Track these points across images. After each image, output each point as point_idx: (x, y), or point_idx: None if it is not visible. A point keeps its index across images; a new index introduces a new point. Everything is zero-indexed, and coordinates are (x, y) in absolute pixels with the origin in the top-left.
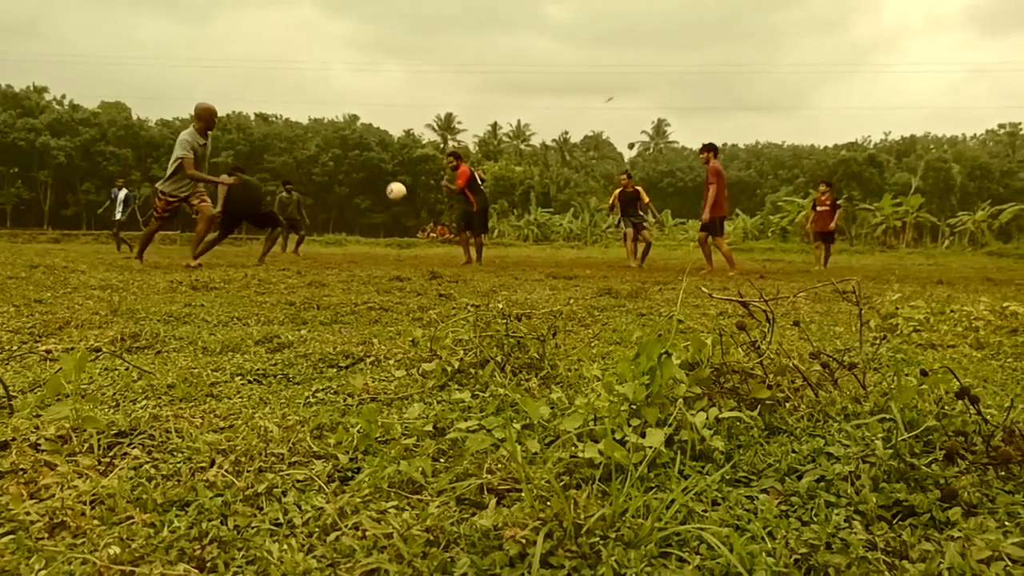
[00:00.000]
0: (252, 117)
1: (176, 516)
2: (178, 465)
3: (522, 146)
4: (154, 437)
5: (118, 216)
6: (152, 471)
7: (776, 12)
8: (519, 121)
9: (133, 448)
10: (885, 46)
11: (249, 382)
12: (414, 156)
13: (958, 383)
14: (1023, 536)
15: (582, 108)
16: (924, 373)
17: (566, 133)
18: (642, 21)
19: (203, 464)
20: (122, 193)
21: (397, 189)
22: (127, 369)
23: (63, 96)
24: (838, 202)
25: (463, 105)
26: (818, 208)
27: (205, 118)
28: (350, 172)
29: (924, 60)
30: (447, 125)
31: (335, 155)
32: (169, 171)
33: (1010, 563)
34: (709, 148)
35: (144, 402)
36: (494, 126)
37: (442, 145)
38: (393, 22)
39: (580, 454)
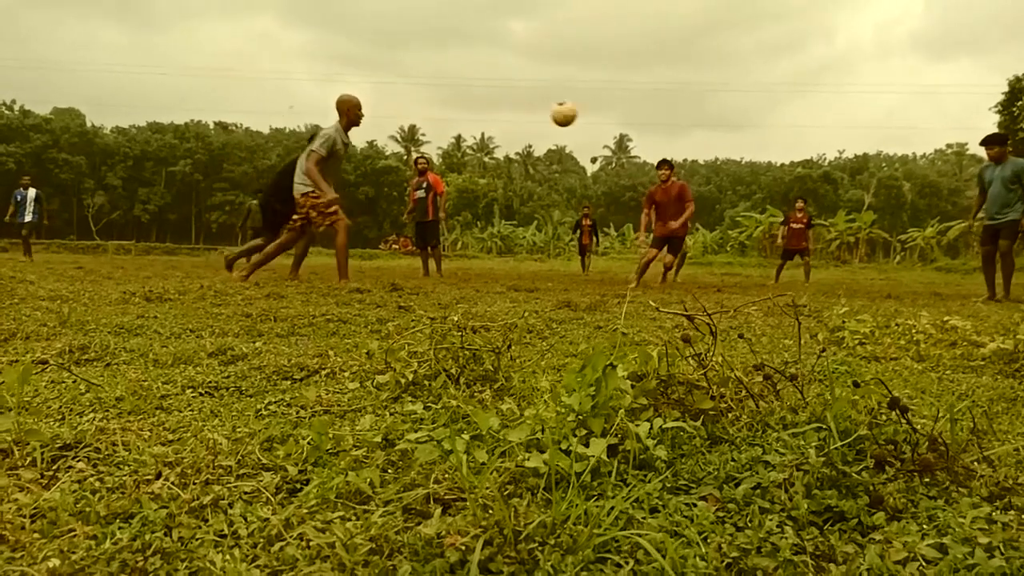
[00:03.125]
0: (211, 126)
1: (119, 528)
2: (123, 478)
3: (486, 159)
4: (100, 450)
5: (28, 218)
6: (97, 484)
7: (735, 34)
8: (483, 134)
9: (78, 461)
10: (838, 68)
11: (200, 395)
12: (377, 167)
13: (889, 394)
14: (939, 538)
15: (545, 122)
16: (856, 384)
17: (530, 147)
18: (604, 38)
19: (149, 476)
20: (31, 192)
21: (559, 113)
22: (74, 382)
23: (13, 101)
24: (813, 221)
25: (427, 118)
26: (792, 225)
27: (347, 113)
28: None
29: (875, 82)
30: (411, 137)
31: None
32: (301, 167)
33: (924, 563)
34: (671, 165)
35: (91, 415)
36: (458, 139)
37: (405, 157)
38: (355, 34)
39: (525, 464)
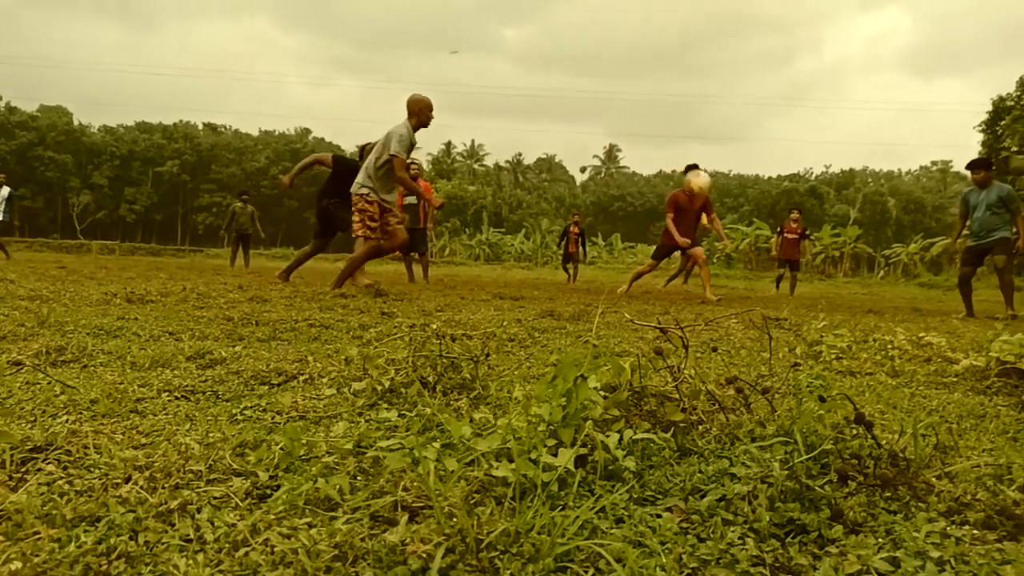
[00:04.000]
0: (200, 126)
1: (84, 532)
2: (92, 481)
3: (475, 166)
4: (71, 453)
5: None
6: (65, 487)
7: (725, 47)
8: (473, 141)
9: (48, 463)
10: (827, 83)
11: (176, 398)
12: None
13: (855, 410)
14: (894, 551)
15: (536, 130)
16: (822, 400)
17: (519, 155)
18: (596, 48)
19: (118, 480)
20: (3, 191)
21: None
22: (49, 383)
23: None
24: (807, 232)
25: None
26: (787, 235)
27: (418, 114)
28: (300, 186)
29: (863, 98)
30: None
31: (286, 168)
32: (373, 169)
33: (876, 575)
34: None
35: (64, 417)
36: (448, 145)
37: None
38: (348, 39)
39: (493, 473)
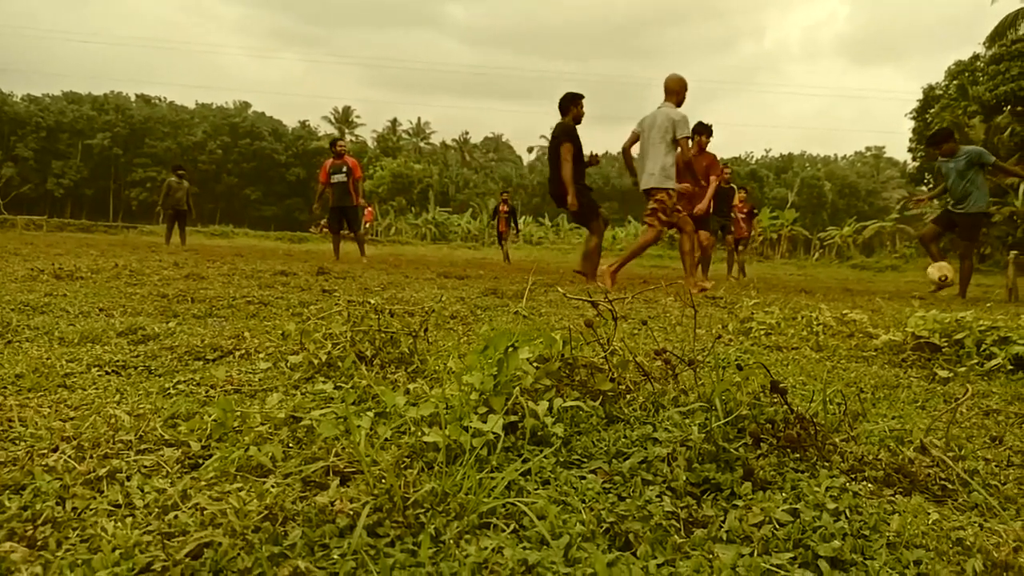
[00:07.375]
0: (133, 98)
1: (9, 499)
2: (18, 452)
3: (422, 144)
4: None
5: None
6: None
7: (670, 30)
8: (419, 119)
9: None
10: (767, 69)
11: (107, 373)
12: (309, 148)
13: (771, 378)
14: (796, 504)
15: (483, 109)
16: (740, 368)
17: (466, 133)
18: (543, 27)
19: (45, 450)
20: None
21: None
22: None
23: None
24: (754, 210)
25: (362, 99)
26: (735, 215)
27: (679, 92)
28: (240, 161)
29: (801, 83)
30: (344, 118)
31: (224, 143)
32: (661, 157)
33: (778, 526)
34: (711, 131)
35: None
36: (393, 122)
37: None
38: (291, 11)
39: (425, 439)
